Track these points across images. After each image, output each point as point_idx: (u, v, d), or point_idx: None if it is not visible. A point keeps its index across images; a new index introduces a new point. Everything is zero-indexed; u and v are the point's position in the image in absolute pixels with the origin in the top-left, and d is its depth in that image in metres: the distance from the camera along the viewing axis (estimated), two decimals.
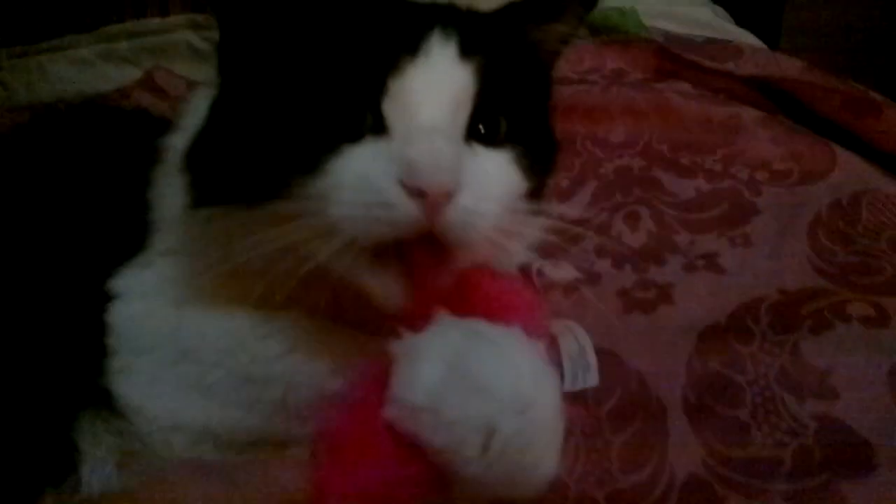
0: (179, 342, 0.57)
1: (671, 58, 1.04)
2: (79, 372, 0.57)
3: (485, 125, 0.53)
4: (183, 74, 1.28)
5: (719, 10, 1.49)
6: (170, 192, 0.60)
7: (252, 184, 0.51)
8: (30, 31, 1.38)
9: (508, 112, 0.54)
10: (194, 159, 0.56)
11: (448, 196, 0.47)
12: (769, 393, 0.63)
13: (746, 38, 1.30)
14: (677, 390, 0.66)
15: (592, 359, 0.64)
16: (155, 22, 1.36)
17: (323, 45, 0.51)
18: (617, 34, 1.13)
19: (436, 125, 0.49)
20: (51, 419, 0.57)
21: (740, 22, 1.47)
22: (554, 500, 0.61)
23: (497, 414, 0.44)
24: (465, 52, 0.51)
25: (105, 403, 0.57)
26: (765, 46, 1.24)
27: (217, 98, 0.57)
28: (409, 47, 0.49)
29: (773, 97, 0.99)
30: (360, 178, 0.48)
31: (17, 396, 0.56)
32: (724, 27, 1.37)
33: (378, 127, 0.49)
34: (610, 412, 0.66)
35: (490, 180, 0.52)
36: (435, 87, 0.50)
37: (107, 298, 0.59)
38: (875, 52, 1.60)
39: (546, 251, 0.78)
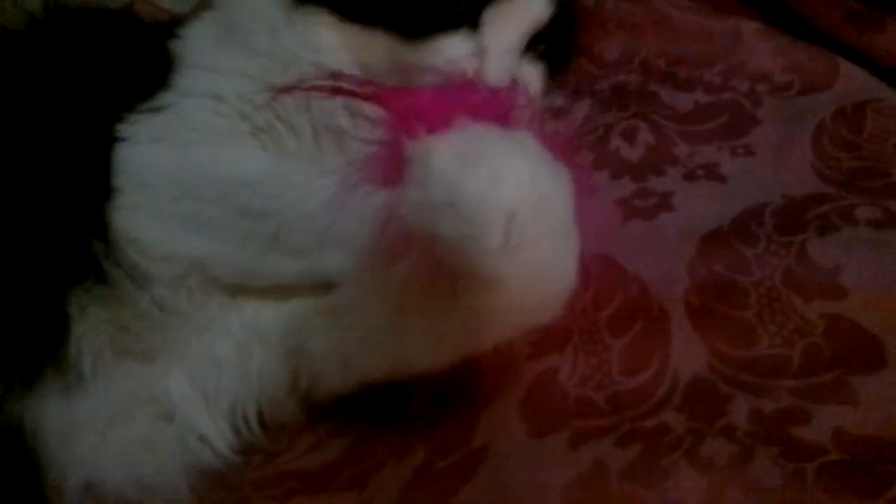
0: (183, 178, 0.60)
1: None
2: (69, 243, 0.58)
3: (533, 45, 0.67)
4: (165, 7, 1.24)
5: None
6: (206, 35, 0.69)
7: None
8: None
9: (549, 37, 0.68)
10: None
11: None
12: (775, 294, 0.61)
13: None
14: (679, 294, 0.63)
15: None
16: None
17: None
18: None
19: (511, 45, 0.64)
20: (42, 288, 0.58)
21: None
22: (553, 404, 0.60)
23: (517, 200, 0.42)
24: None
25: (94, 276, 0.58)
26: None
27: None
28: None
29: (772, 14, 0.96)
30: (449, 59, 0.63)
31: (9, 262, 0.58)
32: None
33: (473, 21, 0.63)
34: (610, 317, 0.64)
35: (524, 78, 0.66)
36: (525, 15, 0.64)
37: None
38: None
39: None
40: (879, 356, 0.55)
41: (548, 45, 0.68)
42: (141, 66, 0.66)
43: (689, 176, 0.74)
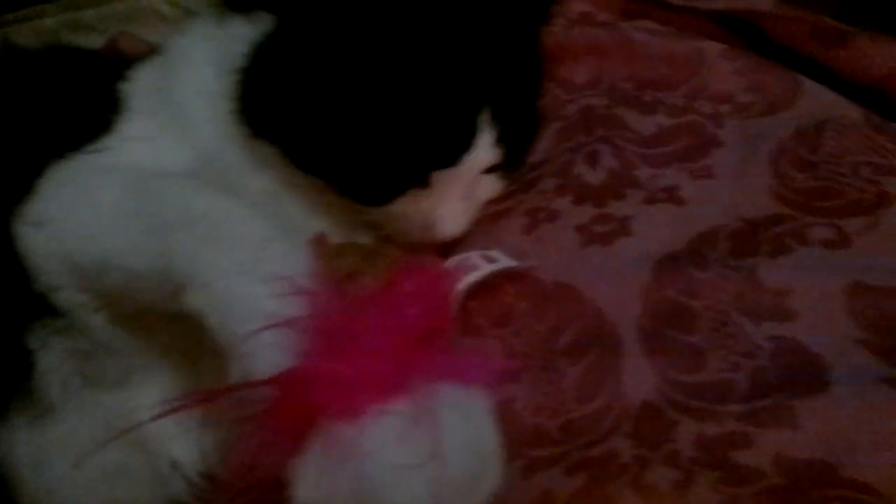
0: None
1: None
2: (17, 282, 0.59)
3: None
4: (149, 40, 1.26)
5: None
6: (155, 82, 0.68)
7: (323, 164, 0.64)
8: None
9: (507, 146, 0.67)
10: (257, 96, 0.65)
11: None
12: (724, 318, 0.62)
13: None
14: (633, 320, 0.64)
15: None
16: None
17: (389, 133, 0.62)
18: None
19: (461, 196, 0.65)
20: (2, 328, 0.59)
21: None
22: (509, 433, 0.61)
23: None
24: (500, 139, 0.63)
25: (47, 311, 0.59)
26: None
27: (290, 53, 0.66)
28: (461, 146, 0.62)
29: (741, 33, 0.97)
30: (406, 220, 0.65)
31: None
32: None
33: (423, 182, 0.63)
34: (566, 345, 0.65)
35: (481, 195, 0.68)
36: (473, 170, 0.64)
37: None
38: None
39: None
40: (823, 379, 0.56)
41: (509, 153, 0.68)
42: (88, 107, 0.66)
43: (650, 199, 0.74)
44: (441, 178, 0.62)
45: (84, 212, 0.59)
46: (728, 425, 0.55)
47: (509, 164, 0.69)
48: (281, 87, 0.63)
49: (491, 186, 0.69)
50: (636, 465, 0.54)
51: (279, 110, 0.63)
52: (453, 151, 0.61)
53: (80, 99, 0.70)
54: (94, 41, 1.30)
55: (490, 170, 0.69)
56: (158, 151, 0.66)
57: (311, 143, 0.63)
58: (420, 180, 0.63)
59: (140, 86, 0.69)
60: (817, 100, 0.82)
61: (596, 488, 0.53)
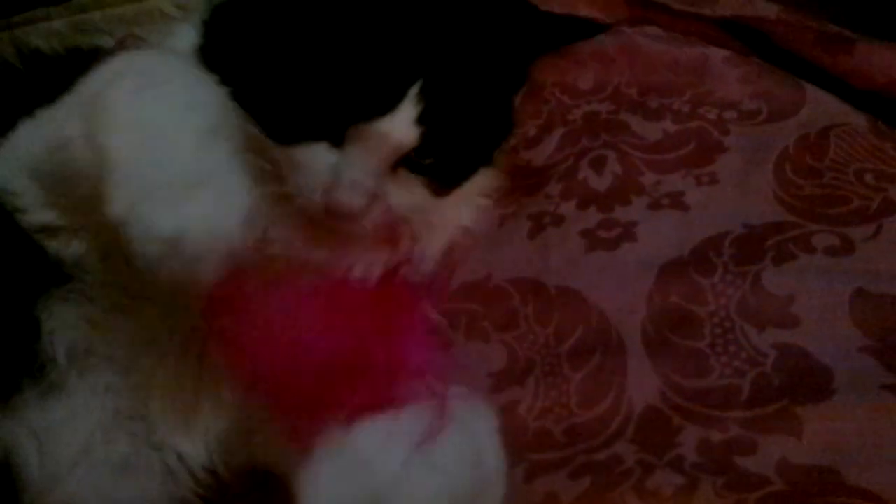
0: None
1: (642, 4, 1.02)
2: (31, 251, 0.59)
3: (416, 157, 0.61)
4: (155, 42, 1.27)
5: None
6: None
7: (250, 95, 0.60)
8: (1, 4, 1.36)
9: (439, 152, 0.62)
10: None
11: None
12: (729, 324, 0.62)
13: None
14: (637, 324, 0.65)
15: None
16: None
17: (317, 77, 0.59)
18: None
19: (370, 168, 0.59)
20: (12, 303, 0.58)
21: None
22: (513, 436, 0.61)
23: None
24: (423, 119, 0.58)
25: (54, 282, 0.59)
26: None
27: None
28: (382, 105, 0.58)
29: (746, 40, 0.97)
30: (312, 173, 0.59)
31: None
32: None
33: (335, 138, 0.59)
34: (570, 349, 0.65)
35: (399, 194, 0.62)
36: (383, 141, 0.59)
37: None
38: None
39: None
40: (827, 386, 0.56)
41: (437, 159, 0.63)
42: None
43: (654, 205, 0.75)
44: (355, 136, 0.61)
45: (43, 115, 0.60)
46: (732, 431, 0.55)
47: (435, 174, 0.66)
48: (226, 20, 0.64)
49: (411, 191, 0.66)
50: (640, 469, 0.54)
51: (222, 37, 0.63)
52: (374, 105, 0.60)
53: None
54: (103, 42, 1.31)
55: (415, 169, 0.66)
56: None
57: (244, 72, 0.62)
58: (335, 133, 0.61)
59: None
60: (822, 106, 0.82)
61: (600, 493, 0.54)
